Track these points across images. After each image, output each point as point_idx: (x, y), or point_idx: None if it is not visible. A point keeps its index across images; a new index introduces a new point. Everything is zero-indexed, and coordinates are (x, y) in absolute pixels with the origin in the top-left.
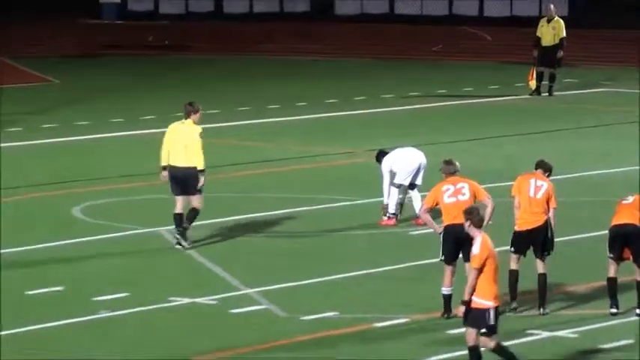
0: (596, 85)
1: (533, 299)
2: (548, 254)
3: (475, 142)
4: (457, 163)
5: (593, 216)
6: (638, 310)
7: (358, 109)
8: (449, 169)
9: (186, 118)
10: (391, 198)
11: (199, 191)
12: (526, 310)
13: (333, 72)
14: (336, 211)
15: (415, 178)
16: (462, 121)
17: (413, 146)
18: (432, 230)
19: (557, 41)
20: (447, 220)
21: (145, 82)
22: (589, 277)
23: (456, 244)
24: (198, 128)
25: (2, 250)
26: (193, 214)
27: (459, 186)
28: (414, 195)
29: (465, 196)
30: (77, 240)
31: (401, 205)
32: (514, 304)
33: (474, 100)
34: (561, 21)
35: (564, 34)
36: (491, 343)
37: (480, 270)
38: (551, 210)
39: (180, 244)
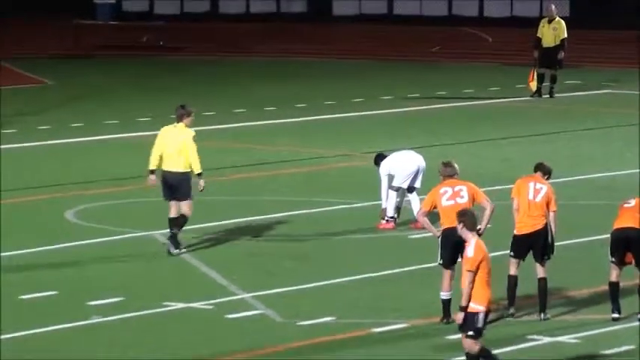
0: (598, 86)
1: (533, 304)
2: (549, 258)
3: (475, 145)
4: (456, 166)
5: (594, 219)
6: None
7: (356, 110)
8: (447, 172)
9: (178, 122)
10: (389, 201)
11: (190, 197)
12: (526, 315)
13: (330, 73)
14: (334, 215)
15: (414, 182)
16: (461, 123)
17: (411, 149)
18: (431, 234)
19: (558, 42)
20: (445, 223)
21: (139, 83)
22: (590, 282)
23: (455, 247)
24: (191, 132)
25: None
26: (182, 220)
27: (457, 188)
28: (413, 198)
29: (464, 199)
30: (71, 244)
31: (399, 208)
32: (512, 310)
33: (474, 102)
34: (562, 21)
35: (565, 35)
36: (476, 347)
37: (475, 273)
38: (551, 213)
39: (170, 252)
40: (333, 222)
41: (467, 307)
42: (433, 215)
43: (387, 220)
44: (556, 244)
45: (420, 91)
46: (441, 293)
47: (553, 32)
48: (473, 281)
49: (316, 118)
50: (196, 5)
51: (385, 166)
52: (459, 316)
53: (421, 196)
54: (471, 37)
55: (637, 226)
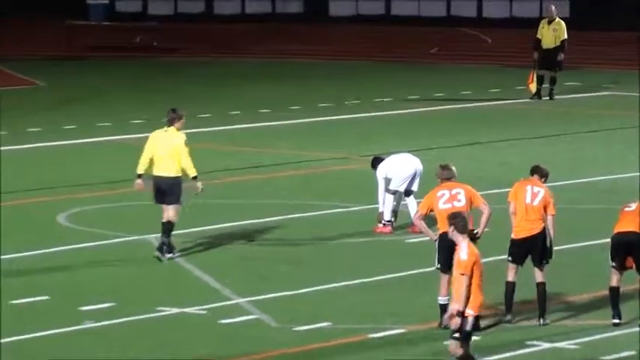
0: (599, 88)
1: (532, 309)
2: (547, 263)
3: (473, 147)
4: (453, 168)
5: (594, 223)
6: None
7: (353, 113)
8: (445, 174)
9: (169, 126)
10: (386, 205)
11: (179, 202)
12: (525, 320)
13: (326, 75)
14: (330, 218)
15: (411, 185)
16: (459, 125)
17: (409, 151)
18: (428, 238)
19: (558, 43)
20: (442, 227)
21: (133, 85)
22: (590, 287)
23: (452, 251)
24: (182, 136)
25: None
26: (169, 226)
27: (454, 192)
28: (410, 202)
29: (461, 203)
30: (63, 248)
31: (396, 212)
32: (509, 317)
33: (473, 104)
34: (562, 22)
35: (565, 36)
36: (459, 351)
37: (470, 276)
38: (550, 217)
39: (161, 259)
40: (329, 226)
41: (464, 311)
42: (431, 219)
43: (383, 224)
44: (555, 248)
45: (418, 93)
46: (439, 298)
47: (553, 33)
48: (468, 284)
49: (312, 120)
50: (191, 6)
51: (382, 170)
52: (454, 321)
53: (418, 200)
54: (469, 38)
55: (638, 231)
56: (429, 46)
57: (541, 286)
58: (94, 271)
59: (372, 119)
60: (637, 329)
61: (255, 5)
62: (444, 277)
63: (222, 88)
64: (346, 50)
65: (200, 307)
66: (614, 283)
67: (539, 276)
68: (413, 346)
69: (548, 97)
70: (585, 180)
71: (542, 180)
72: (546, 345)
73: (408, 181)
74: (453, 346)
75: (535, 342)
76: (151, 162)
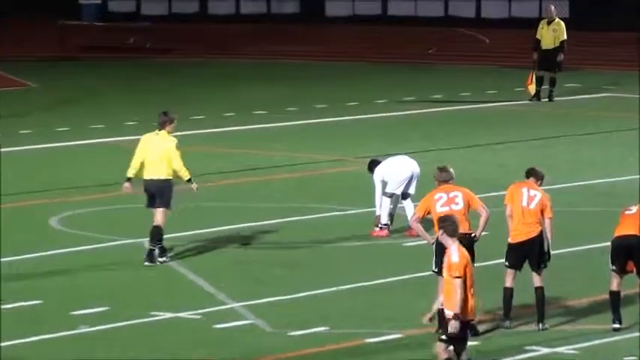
0: (599, 89)
1: (531, 313)
2: (545, 267)
3: (471, 150)
4: (451, 170)
5: (594, 227)
6: None
7: (349, 114)
8: (442, 177)
9: (160, 129)
10: (383, 208)
11: (168, 206)
12: (524, 325)
13: (323, 76)
14: (326, 222)
15: (408, 188)
16: (457, 127)
17: (406, 154)
18: (425, 241)
19: (557, 44)
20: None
21: (126, 86)
22: (590, 291)
23: None
24: (174, 139)
25: None
26: (156, 232)
27: (452, 194)
28: (407, 205)
29: (459, 206)
30: (55, 252)
31: (392, 215)
32: (507, 323)
33: (471, 106)
34: (562, 23)
35: (565, 37)
36: (444, 355)
37: (464, 279)
38: (547, 220)
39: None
40: (325, 229)
41: (458, 314)
42: (428, 222)
43: (380, 228)
44: (554, 252)
45: (415, 95)
46: (436, 302)
47: (552, 34)
48: (465, 287)
49: (308, 121)
50: (185, 6)
51: (379, 173)
52: (453, 324)
53: (416, 203)
54: (467, 38)
55: (638, 234)
56: (426, 46)
57: (539, 291)
58: (87, 276)
59: (369, 121)
60: (637, 334)
61: (251, 5)
62: (442, 281)
63: (217, 89)
64: (342, 51)
65: (194, 312)
66: (614, 287)
67: (537, 280)
68: (410, 351)
69: (547, 99)
70: (584, 183)
71: (538, 183)
72: (545, 350)
73: (404, 184)
74: (438, 348)
75: (534, 347)
76: (142, 166)
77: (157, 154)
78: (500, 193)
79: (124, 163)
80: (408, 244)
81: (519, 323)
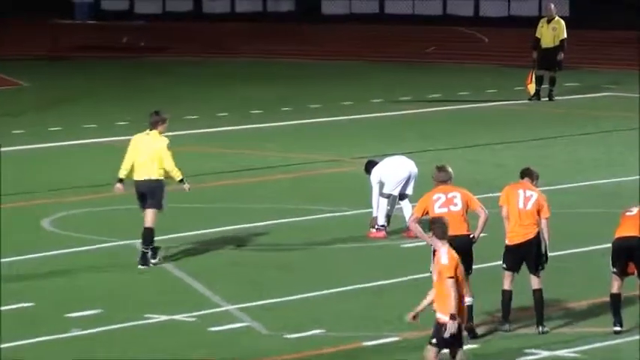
0: (599, 89)
1: (530, 316)
2: (543, 268)
3: (470, 150)
4: (450, 170)
5: (594, 228)
6: None
7: (346, 114)
8: (441, 177)
9: (152, 129)
10: (380, 209)
11: (159, 207)
12: (523, 328)
13: (319, 75)
14: (322, 223)
15: (405, 188)
16: (456, 127)
17: (403, 154)
18: (424, 242)
19: (557, 43)
20: None
21: (119, 85)
22: (591, 293)
23: None
24: (165, 139)
25: None
26: (148, 234)
27: (450, 195)
28: (405, 205)
29: (457, 207)
30: (48, 253)
31: (389, 216)
32: (506, 326)
33: (470, 105)
34: (562, 21)
35: (565, 35)
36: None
37: (456, 280)
38: (544, 221)
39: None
40: (321, 230)
41: (456, 314)
42: (426, 223)
43: (377, 229)
44: (554, 253)
45: (412, 94)
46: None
47: (552, 32)
48: (455, 286)
49: (304, 121)
50: (179, 4)
51: (376, 174)
52: (451, 325)
53: (413, 204)
54: (466, 37)
55: (639, 235)
56: (424, 45)
57: (538, 293)
58: (80, 278)
59: (365, 121)
60: (638, 337)
61: (246, 4)
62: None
63: (212, 88)
64: (339, 50)
65: (189, 314)
66: (615, 289)
67: (535, 282)
68: (408, 354)
69: (547, 98)
70: (584, 183)
71: (534, 183)
72: (545, 353)
73: (402, 185)
74: (427, 353)
75: (534, 350)
76: (133, 166)
77: (148, 154)
78: (499, 194)
79: (118, 163)
80: (406, 245)
81: (518, 326)
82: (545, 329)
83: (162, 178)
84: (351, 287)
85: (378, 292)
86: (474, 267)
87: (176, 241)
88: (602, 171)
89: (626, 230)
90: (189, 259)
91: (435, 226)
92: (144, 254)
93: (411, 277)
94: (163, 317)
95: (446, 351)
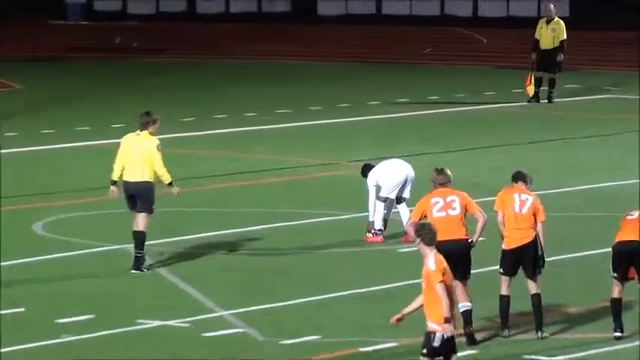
0: (600, 91)
1: (529, 321)
2: (540, 273)
3: (468, 153)
4: (449, 173)
5: (594, 232)
6: None
7: (342, 116)
8: (440, 180)
9: (142, 129)
10: (377, 213)
11: (150, 211)
12: (522, 334)
13: (315, 77)
14: (318, 227)
15: (402, 192)
16: (454, 130)
17: (400, 157)
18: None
19: (557, 44)
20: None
21: (112, 87)
22: (591, 298)
23: (447, 262)
24: (155, 140)
25: None
26: (140, 237)
27: (449, 199)
28: (402, 209)
29: (456, 211)
30: (39, 258)
31: (386, 220)
32: (505, 333)
33: (468, 108)
34: (561, 22)
35: (565, 36)
36: None
37: (445, 285)
38: (539, 224)
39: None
40: (316, 235)
41: (450, 318)
42: None
43: (374, 234)
44: (554, 257)
45: (409, 96)
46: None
47: (552, 33)
48: (445, 290)
49: (299, 124)
50: (173, 4)
51: (372, 177)
52: (447, 328)
53: (410, 207)
54: (464, 38)
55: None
56: (421, 46)
57: (536, 298)
58: (72, 283)
59: (362, 123)
60: (639, 343)
61: (240, 4)
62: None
63: (206, 90)
64: (335, 51)
65: (183, 320)
66: (615, 294)
67: (533, 287)
68: None
69: (546, 101)
70: (585, 187)
71: (528, 186)
72: (545, 359)
73: (399, 188)
74: None
75: (533, 356)
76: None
77: (139, 155)
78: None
79: (110, 166)
80: (403, 250)
81: (517, 332)
82: (545, 334)
83: (152, 180)
84: (347, 292)
85: (374, 298)
86: (472, 271)
87: (169, 245)
88: (602, 174)
89: (626, 234)
90: (183, 263)
91: (423, 232)
92: (137, 258)
93: (408, 282)
94: (156, 323)
95: (440, 359)
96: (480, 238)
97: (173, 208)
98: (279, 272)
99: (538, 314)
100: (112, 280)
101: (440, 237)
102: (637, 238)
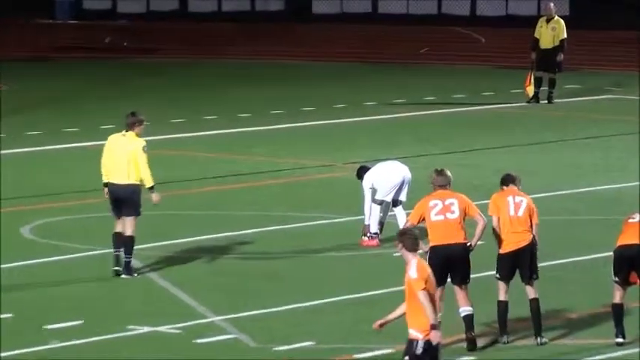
0: (600, 91)
1: (528, 327)
2: (537, 277)
3: (466, 155)
4: (449, 174)
5: (596, 236)
6: None
7: (338, 117)
8: (439, 181)
9: (128, 130)
10: (373, 216)
11: (138, 214)
12: (522, 340)
13: (310, 77)
14: (313, 230)
15: (398, 194)
16: (451, 131)
17: (396, 159)
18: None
19: (557, 43)
20: (433, 240)
21: (102, 88)
22: (592, 303)
23: (445, 266)
24: (142, 141)
25: None
26: (129, 242)
27: (447, 202)
28: (398, 212)
29: (455, 214)
30: (27, 262)
31: (382, 223)
32: (504, 339)
33: (466, 108)
34: (562, 21)
35: (565, 36)
36: None
37: (427, 290)
38: (534, 227)
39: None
40: (311, 238)
41: (436, 324)
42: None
43: (370, 237)
44: (555, 262)
45: (406, 96)
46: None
47: (551, 32)
48: (428, 297)
49: (294, 125)
50: (164, 3)
51: (368, 180)
52: (434, 335)
53: (407, 211)
54: (462, 37)
55: None
56: (418, 46)
57: (534, 303)
58: (60, 288)
59: (358, 124)
60: None
61: (233, 3)
62: (436, 294)
63: (198, 90)
64: (330, 51)
65: (174, 326)
66: (617, 299)
67: (530, 292)
68: None
69: (546, 101)
70: (585, 189)
71: (519, 187)
72: None
73: (395, 191)
74: None
75: None
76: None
77: (125, 156)
78: None
79: (100, 168)
80: (399, 254)
81: (517, 337)
82: (544, 340)
83: (138, 182)
84: (342, 297)
85: (370, 303)
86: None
87: (160, 249)
88: (602, 176)
89: (628, 238)
90: (174, 268)
91: (404, 237)
92: (127, 263)
93: (404, 287)
94: (147, 329)
95: None
96: (479, 242)
97: (166, 211)
98: (271, 277)
99: (537, 319)
100: (101, 285)
101: (438, 241)
102: (639, 242)
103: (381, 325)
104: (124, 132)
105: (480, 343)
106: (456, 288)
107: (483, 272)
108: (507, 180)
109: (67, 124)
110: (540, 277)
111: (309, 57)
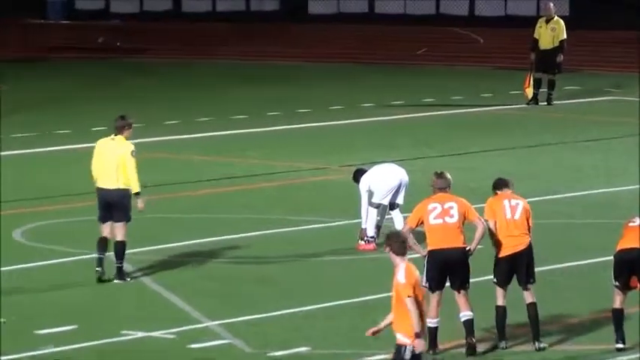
0: (601, 92)
1: (527, 332)
2: (534, 281)
3: (464, 157)
4: (449, 177)
5: (596, 240)
6: None
7: (334, 119)
8: (439, 184)
9: (117, 134)
10: (369, 220)
11: (128, 219)
12: (520, 345)
13: (305, 78)
14: (309, 234)
15: (395, 197)
16: (450, 133)
17: (394, 162)
18: (416, 254)
19: (556, 44)
20: (431, 243)
21: (94, 88)
22: (591, 308)
23: (443, 269)
24: (131, 145)
25: None
26: (120, 247)
27: (447, 206)
28: (395, 215)
29: (454, 218)
30: (18, 266)
31: (379, 227)
32: (503, 344)
33: (464, 110)
34: (561, 21)
35: (565, 36)
36: None
37: (415, 297)
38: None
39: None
40: (307, 242)
41: (420, 333)
42: (420, 234)
43: (367, 241)
44: (554, 266)
45: (404, 98)
46: (427, 320)
47: (551, 33)
48: (415, 304)
49: (290, 127)
50: (157, 3)
51: (365, 182)
52: (418, 343)
53: (404, 214)
54: (460, 38)
55: None
56: (416, 46)
57: (532, 307)
58: (52, 293)
59: (354, 126)
60: None
61: (228, 3)
62: (434, 298)
63: (192, 92)
64: (326, 51)
65: (168, 331)
66: (617, 304)
67: (528, 297)
68: None
69: (546, 103)
70: (585, 192)
71: (512, 191)
72: None
73: (392, 194)
74: None
75: None
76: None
77: (114, 160)
78: None
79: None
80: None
81: (515, 343)
82: (542, 345)
83: (128, 187)
84: (338, 302)
85: (366, 307)
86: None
87: (154, 253)
88: (601, 179)
89: (628, 242)
90: (168, 272)
91: (392, 241)
92: (119, 268)
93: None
94: (141, 334)
95: None
96: (479, 246)
97: (158, 214)
98: (266, 281)
99: (535, 324)
100: (94, 289)
101: (437, 245)
102: (639, 246)
103: (374, 333)
104: (112, 136)
105: (480, 348)
106: (456, 293)
107: (482, 277)
108: (500, 184)
109: (59, 125)
110: (537, 282)
111: (305, 58)
